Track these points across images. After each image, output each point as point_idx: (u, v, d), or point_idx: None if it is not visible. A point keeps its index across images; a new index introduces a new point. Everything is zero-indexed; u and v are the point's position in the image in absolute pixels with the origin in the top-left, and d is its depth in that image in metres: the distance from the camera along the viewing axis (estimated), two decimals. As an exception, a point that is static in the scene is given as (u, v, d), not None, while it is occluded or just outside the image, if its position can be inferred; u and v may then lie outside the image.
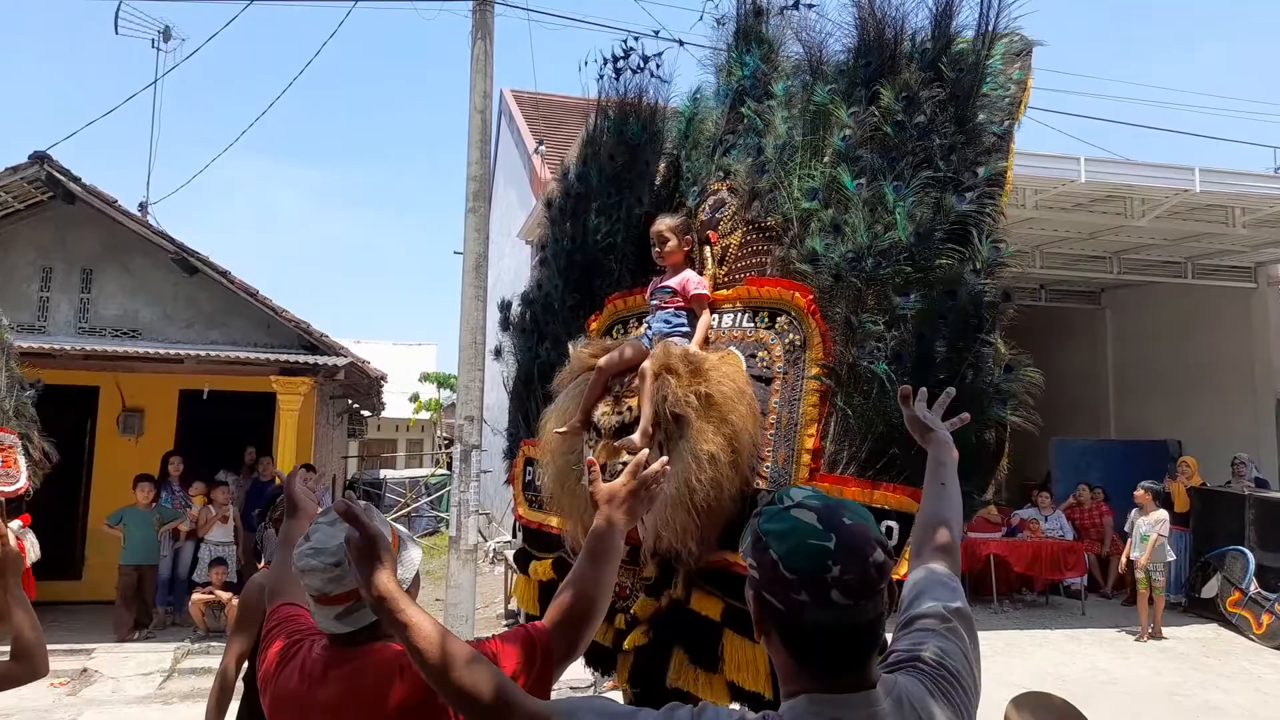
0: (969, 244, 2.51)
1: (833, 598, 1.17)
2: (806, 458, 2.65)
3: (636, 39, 3.64)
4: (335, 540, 1.65)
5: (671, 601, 2.75)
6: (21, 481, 4.08)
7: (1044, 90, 25.03)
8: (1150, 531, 9.05)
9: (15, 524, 4.06)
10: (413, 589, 1.74)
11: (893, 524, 2.44)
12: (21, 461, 4.15)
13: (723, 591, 2.61)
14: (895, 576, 2.49)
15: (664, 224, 3.21)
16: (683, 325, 3.09)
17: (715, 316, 3.12)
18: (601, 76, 3.66)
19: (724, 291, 3.14)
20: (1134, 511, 9.44)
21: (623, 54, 3.63)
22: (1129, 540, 9.45)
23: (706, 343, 3.05)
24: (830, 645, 1.22)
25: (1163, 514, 9.28)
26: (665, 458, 2.23)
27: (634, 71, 3.62)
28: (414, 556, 1.80)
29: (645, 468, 1.89)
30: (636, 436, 2.72)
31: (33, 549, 4.27)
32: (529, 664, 1.68)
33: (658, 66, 3.62)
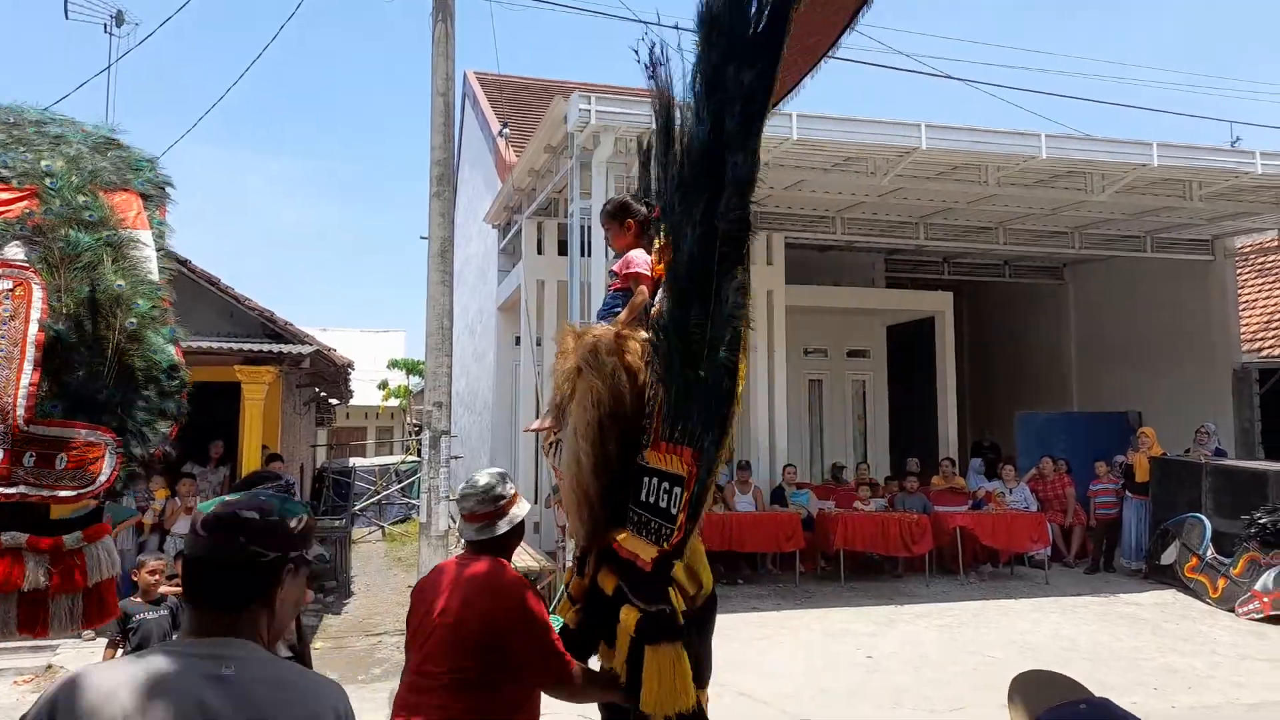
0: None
1: (198, 529, 1.47)
2: (656, 423, 2.65)
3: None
4: (484, 480, 2.73)
5: (590, 579, 2.86)
6: (94, 486, 3.61)
7: (1004, 67, 25.23)
8: None
9: (72, 536, 3.48)
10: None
11: (678, 489, 2.46)
12: (107, 463, 3.58)
13: (616, 570, 2.68)
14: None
15: (601, 214, 3.29)
16: (617, 306, 3.11)
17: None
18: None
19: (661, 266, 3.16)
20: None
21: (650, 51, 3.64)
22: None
23: (643, 320, 3.02)
24: (196, 575, 1.45)
25: None
26: None
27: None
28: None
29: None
30: (538, 419, 2.89)
31: (97, 566, 3.56)
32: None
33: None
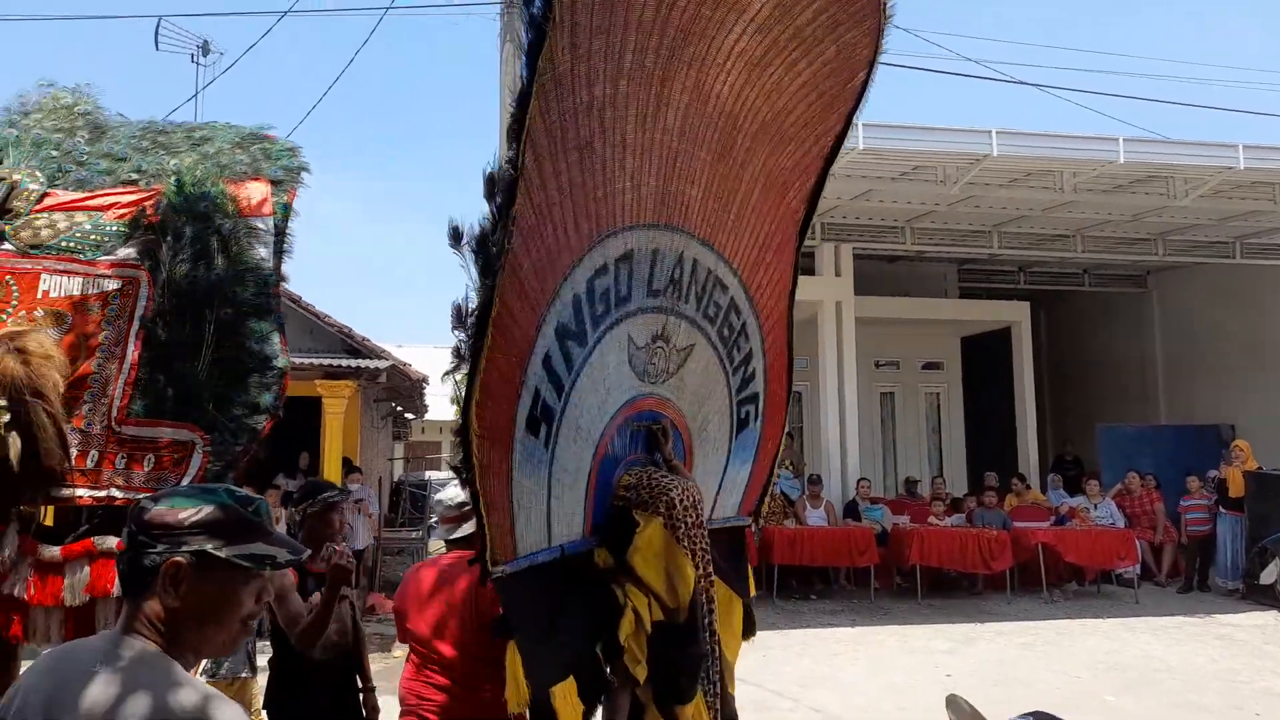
0: None
1: None
2: None
3: None
4: (451, 493, 3.31)
5: None
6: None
7: (1076, 70, 24.55)
8: None
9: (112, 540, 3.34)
10: None
11: None
12: (193, 463, 3.52)
13: None
14: None
15: None
16: None
17: None
18: None
19: None
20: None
21: None
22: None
23: None
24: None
25: None
26: None
27: None
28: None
29: None
30: None
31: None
32: None
33: None
